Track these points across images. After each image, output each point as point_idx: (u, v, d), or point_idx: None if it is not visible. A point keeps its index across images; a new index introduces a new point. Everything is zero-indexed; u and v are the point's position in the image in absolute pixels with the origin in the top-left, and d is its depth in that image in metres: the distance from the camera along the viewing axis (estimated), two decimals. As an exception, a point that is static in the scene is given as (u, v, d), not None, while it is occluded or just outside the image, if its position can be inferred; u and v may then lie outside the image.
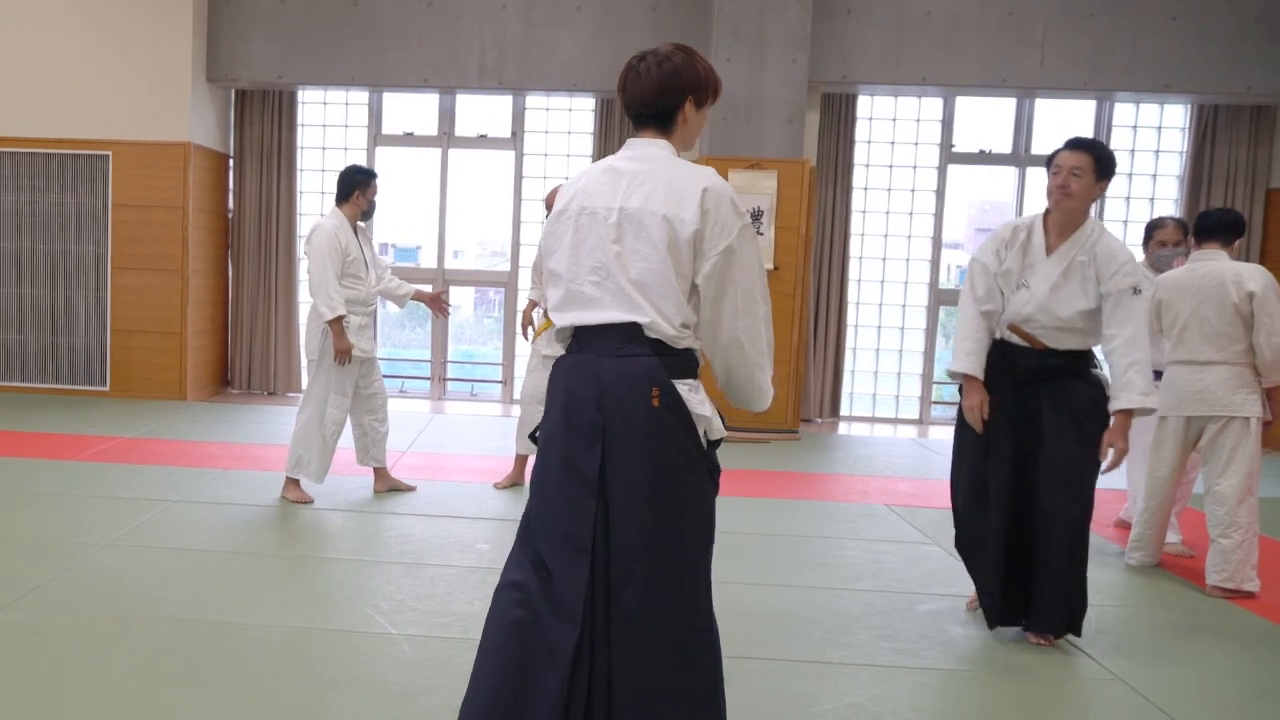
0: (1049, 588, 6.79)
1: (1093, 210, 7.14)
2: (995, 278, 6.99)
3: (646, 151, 4.53)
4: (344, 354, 9.62)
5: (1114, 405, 6.58)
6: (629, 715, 4.27)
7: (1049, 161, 7.07)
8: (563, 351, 4.59)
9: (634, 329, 4.36)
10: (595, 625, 4.28)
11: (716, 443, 4.44)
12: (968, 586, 7.76)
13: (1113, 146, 15.51)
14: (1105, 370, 6.86)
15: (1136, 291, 6.72)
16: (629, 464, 4.31)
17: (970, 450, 7.16)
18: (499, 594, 4.52)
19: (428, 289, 10.68)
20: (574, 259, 4.46)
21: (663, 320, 4.34)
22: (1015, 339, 6.90)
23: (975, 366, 6.94)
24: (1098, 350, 6.93)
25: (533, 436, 4.70)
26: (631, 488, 4.28)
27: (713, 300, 4.35)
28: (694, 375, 4.43)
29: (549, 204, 10.64)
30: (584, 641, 4.25)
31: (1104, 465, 6.71)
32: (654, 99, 4.55)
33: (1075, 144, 6.99)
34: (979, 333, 6.99)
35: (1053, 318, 6.76)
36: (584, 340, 4.48)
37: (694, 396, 4.36)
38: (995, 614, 6.97)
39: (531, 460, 10.77)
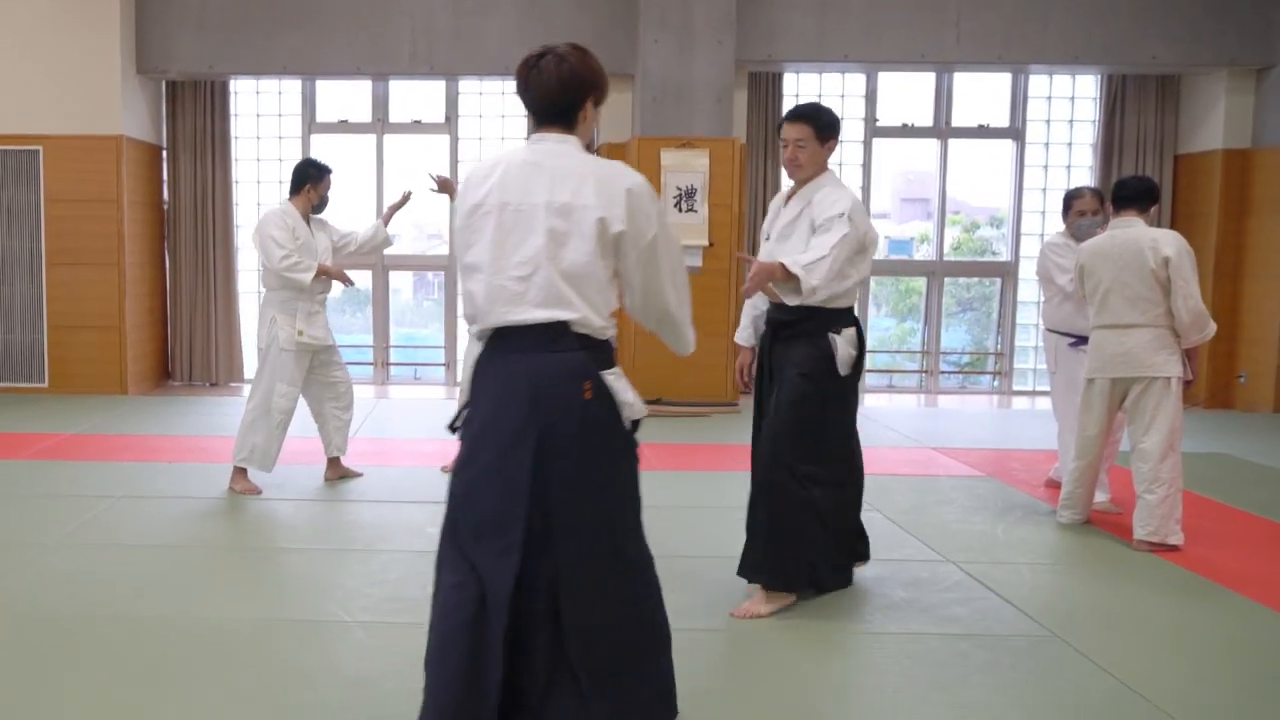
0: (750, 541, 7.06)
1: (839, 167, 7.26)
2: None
3: (561, 148, 4.71)
4: (343, 277, 10.07)
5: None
6: (597, 688, 4.55)
7: (778, 133, 7.18)
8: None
9: (561, 326, 4.56)
10: (536, 612, 4.54)
11: (637, 423, 4.71)
12: (909, 550, 7.99)
13: (1029, 117, 15.91)
14: (847, 335, 6.92)
15: (842, 218, 6.68)
16: (565, 457, 4.55)
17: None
18: (443, 595, 4.70)
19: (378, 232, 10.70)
20: (497, 253, 4.61)
21: (593, 313, 4.58)
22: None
23: (743, 337, 7.44)
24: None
25: (452, 428, 4.83)
26: (570, 479, 4.54)
27: (641, 285, 4.67)
28: (614, 363, 4.68)
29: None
30: (522, 630, 4.54)
31: (745, 289, 6.84)
32: (558, 97, 4.72)
33: (793, 116, 6.99)
34: (753, 305, 7.36)
35: None
36: (510, 338, 4.63)
37: (619, 384, 4.64)
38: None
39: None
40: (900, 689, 5.74)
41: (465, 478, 4.68)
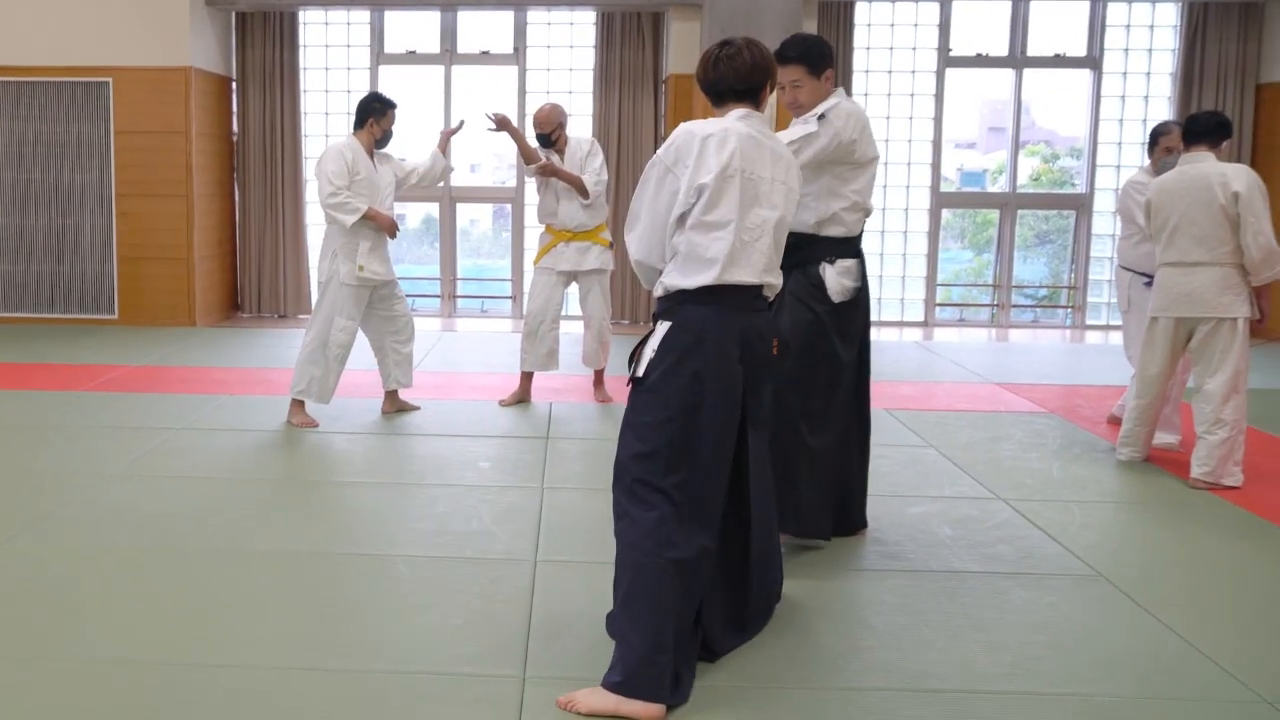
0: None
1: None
2: None
3: (765, 127, 5.33)
4: (390, 226, 9.93)
5: None
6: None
7: None
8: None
9: (764, 289, 5.25)
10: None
11: None
12: (960, 487, 7.97)
13: (1107, 46, 15.64)
14: (842, 265, 6.81)
15: (811, 120, 6.64)
16: (760, 406, 5.32)
17: None
18: (676, 569, 4.94)
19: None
20: (741, 215, 5.08)
21: (777, 280, 5.31)
22: None
23: None
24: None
25: (641, 378, 5.11)
26: (761, 421, 5.37)
27: None
28: None
29: (538, 123, 10.69)
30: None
31: None
32: (748, 78, 5.27)
33: (781, 58, 6.60)
34: None
35: None
36: (730, 295, 5.10)
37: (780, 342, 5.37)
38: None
39: (539, 376, 10.88)
40: (935, 626, 5.72)
41: (694, 417, 5.01)
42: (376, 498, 7.88)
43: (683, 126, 5.18)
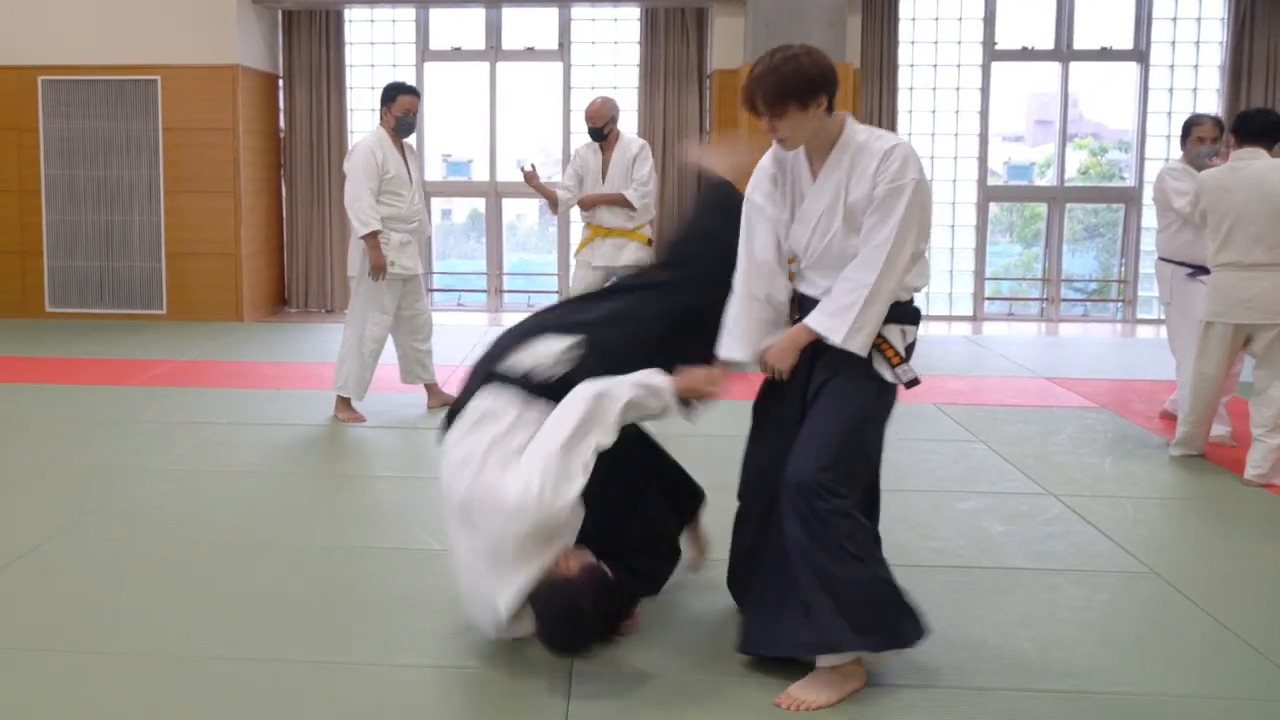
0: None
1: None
2: None
3: None
4: (378, 269, 9.66)
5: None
6: None
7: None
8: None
9: None
10: None
11: None
12: (1011, 483, 7.89)
13: (1154, 39, 15.57)
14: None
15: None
16: None
17: None
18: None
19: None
20: None
21: None
22: None
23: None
24: None
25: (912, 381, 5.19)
26: None
27: None
28: None
29: (589, 116, 10.68)
30: None
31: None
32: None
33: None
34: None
35: None
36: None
37: None
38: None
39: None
40: (987, 624, 5.67)
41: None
42: (422, 492, 7.82)
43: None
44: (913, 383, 5.20)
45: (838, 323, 4.92)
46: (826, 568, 4.76)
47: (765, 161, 5.36)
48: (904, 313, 5.12)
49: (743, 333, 5.22)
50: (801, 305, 5.25)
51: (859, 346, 4.91)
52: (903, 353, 5.14)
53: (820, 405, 5.06)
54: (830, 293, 5.00)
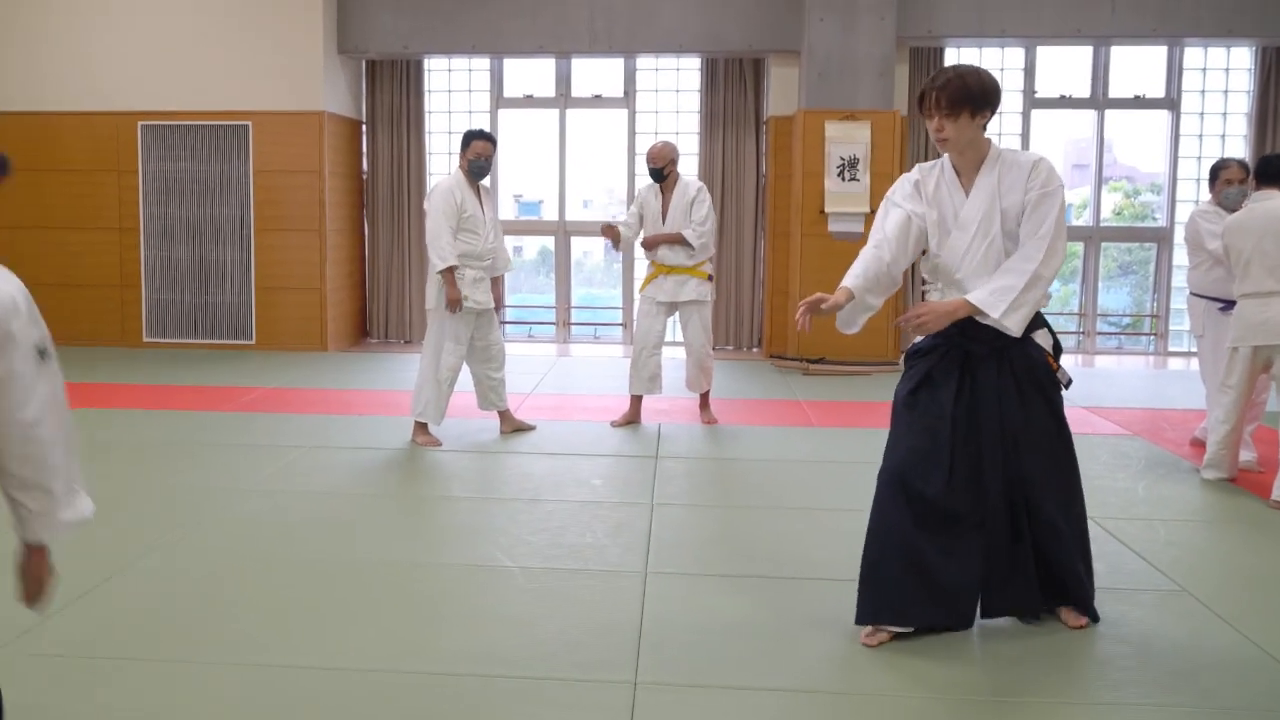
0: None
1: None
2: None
3: None
4: (454, 303, 9.69)
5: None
6: None
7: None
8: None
9: None
10: None
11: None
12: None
13: (1184, 88, 15.60)
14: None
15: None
16: None
17: None
18: None
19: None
20: None
21: None
22: None
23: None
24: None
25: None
26: None
27: None
28: None
29: (651, 158, 10.70)
30: None
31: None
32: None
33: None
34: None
35: None
36: None
37: None
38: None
39: (648, 399, 10.87)
40: (1027, 636, 5.65)
41: None
42: (495, 512, 7.86)
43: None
44: (1069, 383, 5.56)
45: (998, 300, 5.17)
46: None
47: (910, 175, 5.66)
48: (1040, 320, 5.47)
49: (861, 271, 5.48)
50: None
51: (1015, 324, 5.17)
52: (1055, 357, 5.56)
53: (1036, 438, 5.54)
54: (990, 280, 5.26)
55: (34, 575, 3.23)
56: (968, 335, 5.43)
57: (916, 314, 5.35)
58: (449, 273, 9.68)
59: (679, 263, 10.69)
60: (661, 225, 10.73)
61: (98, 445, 9.72)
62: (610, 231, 10.83)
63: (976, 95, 5.26)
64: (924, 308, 5.35)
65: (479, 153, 9.96)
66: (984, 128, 5.39)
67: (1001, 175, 5.32)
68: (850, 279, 5.47)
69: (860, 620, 5.57)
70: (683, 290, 10.75)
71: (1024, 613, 5.71)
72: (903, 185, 5.62)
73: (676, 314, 10.98)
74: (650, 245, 10.75)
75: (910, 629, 5.51)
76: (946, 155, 5.53)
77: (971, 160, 5.43)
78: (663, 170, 10.70)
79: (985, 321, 5.27)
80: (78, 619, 5.79)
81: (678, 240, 10.56)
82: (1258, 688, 5.12)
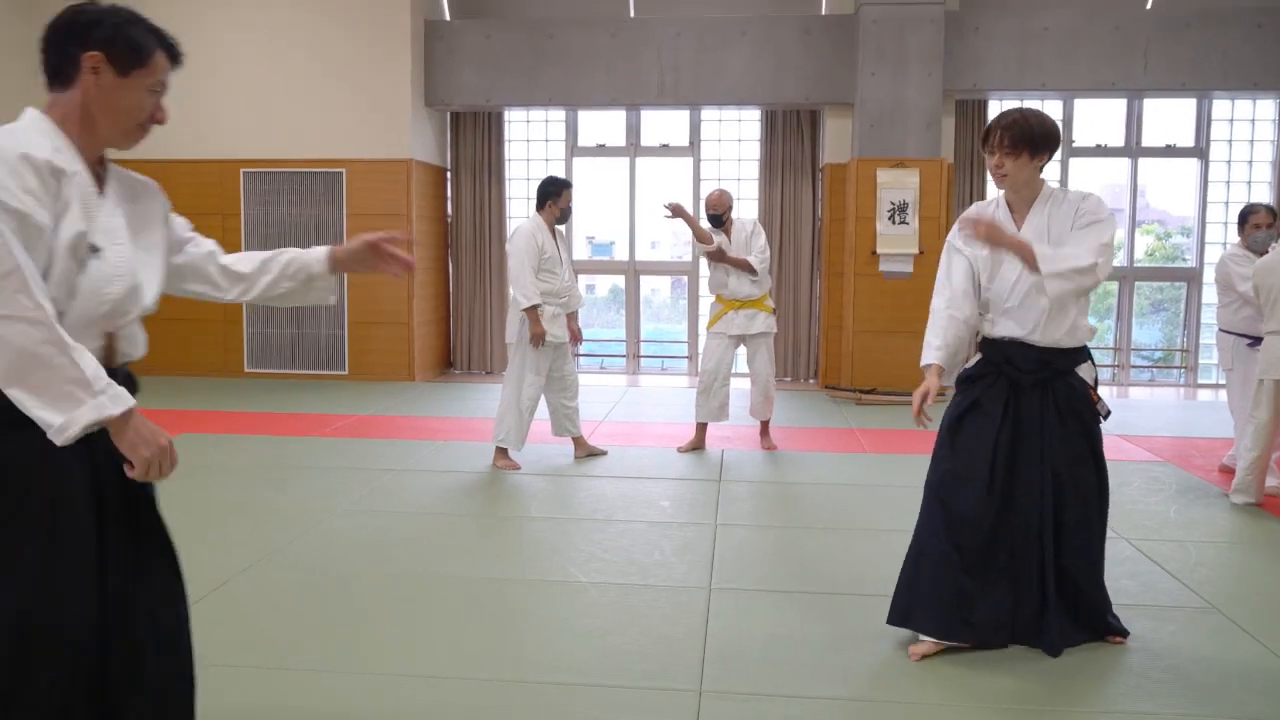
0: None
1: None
2: None
3: None
4: (538, 338, 9.73)
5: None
6: None
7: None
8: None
9: None
10: None
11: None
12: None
13: (1213, 137, 15.53)
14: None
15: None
16: None
17: None
18: None
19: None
20: None
21: None
22: None
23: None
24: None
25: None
26: None
27: None
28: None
29: (710, 204, 10.75)
30: None
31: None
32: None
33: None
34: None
35: None
36: None
37: None
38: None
39: (712, 426, 10.86)
40: (1067, 651, 5.59)
41: None
42: (569, 531, 7.88)
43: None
44: (1108, 414, 5.53)
45: (1054, 260, 5.14)
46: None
47: (968, 213, 5.56)
48: (1086, 353, 5.51)
49: (942, 344, 5.52)
50: (997, 347, 5.56)
51: (1054, 288, 5.16)
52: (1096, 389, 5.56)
53: (1074, 468, 5.53)
54: (1045, 250, 5.20)
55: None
56: (1014, 364, 5.46)
57: (975, 220, 5.31)
58: (533, 310, 9.73)
59: (747, 294, 10.70)
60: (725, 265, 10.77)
61: (202, 467, 9.81)
62: (681, 212, 10.71)
63: (1038, 137, 5.26)
64: (985, 222, 5.28)
65: (569, 200, 10.07)
66: (1041, 169, 5.38)
67: (1052, 212, 5.34)
68: (934, 354, 5.54)
69: (891, 619, 5.63)
70: (753, 324, 10.79)
71: (1048, 647, 5.57)
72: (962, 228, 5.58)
73: (742, 345, 11.02)
74: (717, 259, 10.69)
75: (948, 642, 5.50)
76: (1002, 193, 5.54)
77: (1026, 198, 5.44)
78: (722, 216, 10.75)
79: (1030, 277, 5.30)
80: (186, 628, 5.84)
81: (744, 266, 10.58)
82: (1284, 698, 5.10)
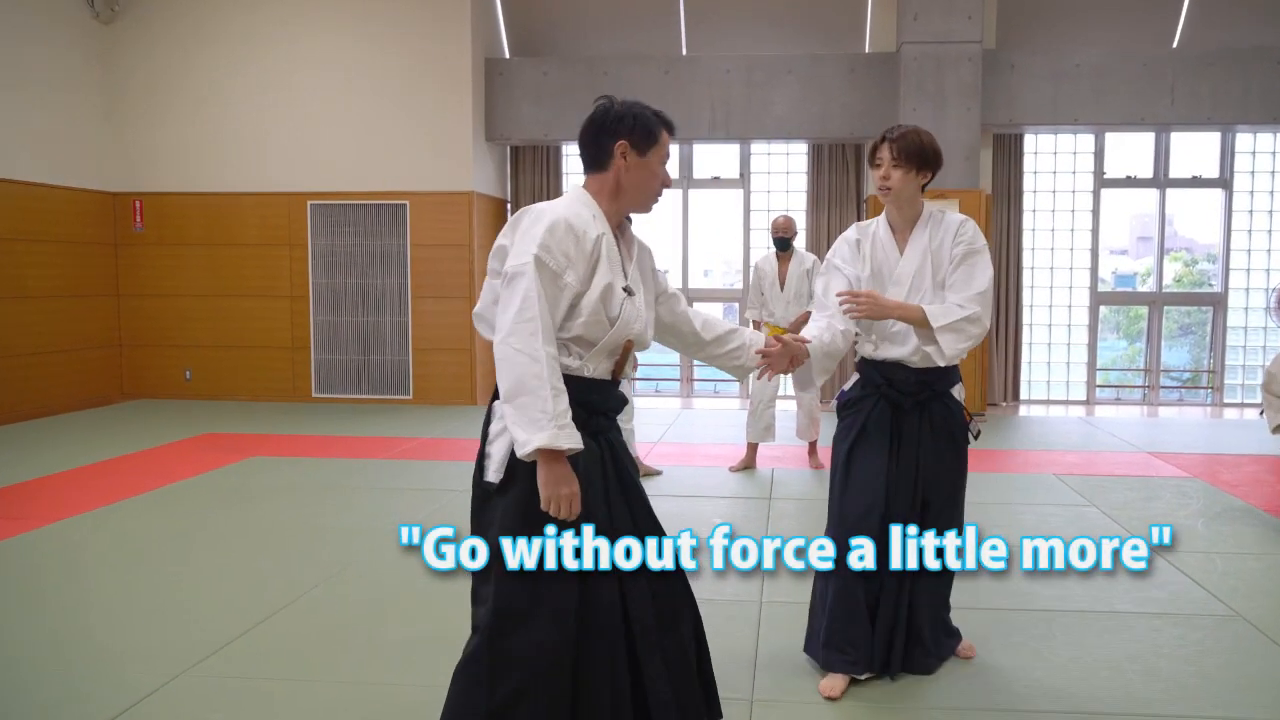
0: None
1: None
2: None
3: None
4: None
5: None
6: None
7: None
8: None
9: None
10: None
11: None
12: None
13: (1236, 169, 15.59)
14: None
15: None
16: None
17: None
18: None
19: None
20: None
21: None
22: None
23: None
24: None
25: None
26: None
27: None
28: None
29: (777, 228, 10.89)
30: None
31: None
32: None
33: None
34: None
35: None
36: None
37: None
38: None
39: (762, 447, 10.90)
40: (1098, 658, 5.71)
41: None
42: (625, 546, 7.93)
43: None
44: (978, 434, 5.48)
45: (943, 315, 5.04)
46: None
47: (849, 234, 5.48)
48: (958, 374, 5.39)
49: (817, 338, 5.13)
50: (879, 369, 5.38)
51: (948, 344, 5.04)
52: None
53: (942, 476, 5.37)
54: (933, 308, 5.10)
55: None
56: (895, 386, 5.34)
57: (856, 296, 5.06)
58: None
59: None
60: (779, 290, 10.86)
61: (272, 489, 10.00)
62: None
63: (927, 154, 5.16)
64: (866, 294, 5.08)
65: None
66: (923, 188, 5.26)
67: (932, 233, 5.22)
68: (810, 337, 5.14)
69: (808, 650, 5.61)
70: None
71: (918, 671, 5.49)
72: (842, 247, 5.47)
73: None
74: (796, 329, 10.64)
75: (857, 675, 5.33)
76: (883, 214, 5.39)
77: (908, 217, 5.27)
78: (789, 240, 10.87)
79: (919, 344, 5.19)
80: (255, 644, 5.99)
81: (807, 319, 10.63)
82: (1307, 702, 5.17)
